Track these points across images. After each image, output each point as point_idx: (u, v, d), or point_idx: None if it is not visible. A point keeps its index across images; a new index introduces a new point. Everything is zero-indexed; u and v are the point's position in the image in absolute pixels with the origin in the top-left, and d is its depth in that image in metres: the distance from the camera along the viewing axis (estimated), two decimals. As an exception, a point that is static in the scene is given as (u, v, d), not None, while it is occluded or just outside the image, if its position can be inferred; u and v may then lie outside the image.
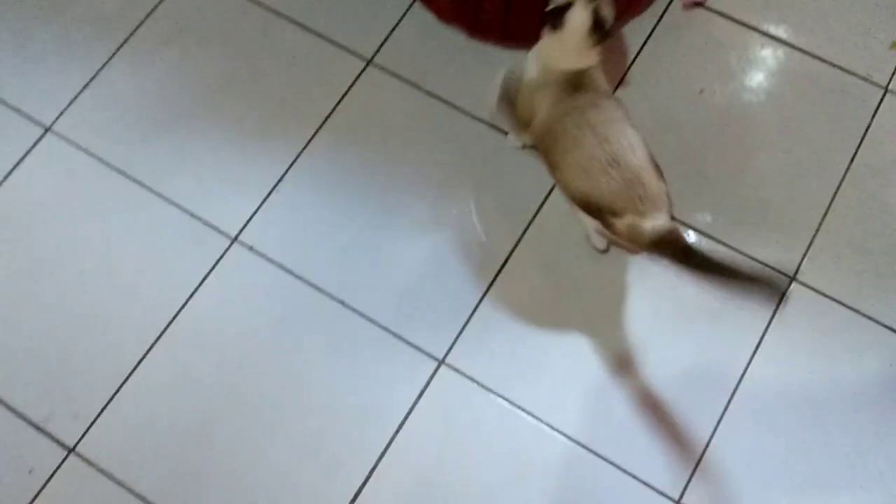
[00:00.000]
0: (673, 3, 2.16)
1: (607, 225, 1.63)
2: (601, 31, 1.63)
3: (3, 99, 2.10)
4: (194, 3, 2.19)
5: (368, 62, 2.10)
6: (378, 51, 2.11)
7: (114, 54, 2.13)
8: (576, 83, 1.67)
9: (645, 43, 2.11)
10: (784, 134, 2.01)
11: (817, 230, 1.92)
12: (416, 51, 2.11)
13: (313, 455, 1.80)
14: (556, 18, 1.62)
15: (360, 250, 1.95)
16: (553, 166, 1.69)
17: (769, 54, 2.10)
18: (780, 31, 2.13)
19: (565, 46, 1.65)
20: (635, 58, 2.09)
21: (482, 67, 2.07)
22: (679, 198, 1.77)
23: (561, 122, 1.66)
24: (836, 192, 1.94)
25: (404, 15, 2.15)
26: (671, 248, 1.57)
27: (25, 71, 2.13)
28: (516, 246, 1.94)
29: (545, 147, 1.71)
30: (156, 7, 2.19)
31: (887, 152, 1.98)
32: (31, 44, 2.15)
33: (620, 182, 1.57)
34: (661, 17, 2.13)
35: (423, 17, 2.14)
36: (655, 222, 1.57)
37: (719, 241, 1.92)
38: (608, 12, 1.64)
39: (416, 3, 2.12)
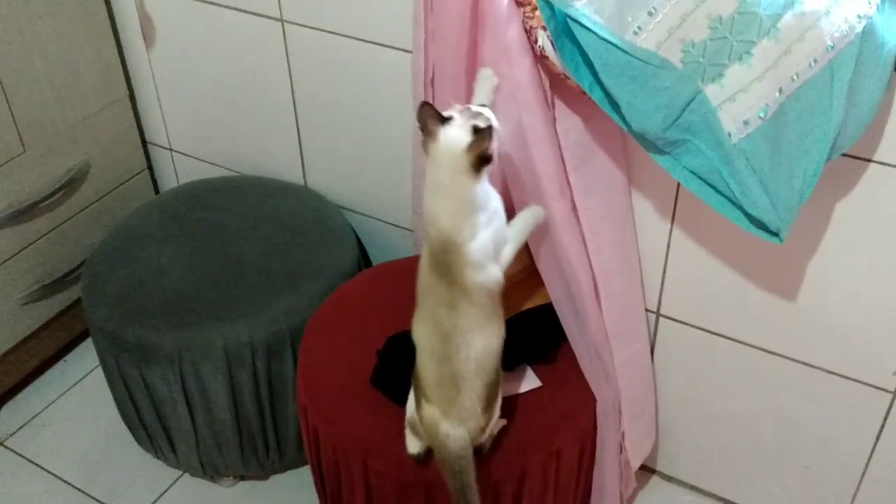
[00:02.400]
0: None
1: (418, 402, 1.61)
2: (480, 150, 1.47)
3: None
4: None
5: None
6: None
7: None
8: (441, 267, 1.56)
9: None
10: None
11: None
12: None
13: None
14: (431, 124, 1.45)
15: None
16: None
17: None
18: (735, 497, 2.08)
19: (438, 166, 1.51)
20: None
21: None
22: None
23: (421, 288, 1.58)
24: None
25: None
26: (454, 469, 1.54)
27: None
28: None
29: None
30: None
31: None
32: None
33: (439, 374, 1.54)
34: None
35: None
36: (453, 430, 1.55)
37: None
38: (490, 138, 1.46)
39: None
